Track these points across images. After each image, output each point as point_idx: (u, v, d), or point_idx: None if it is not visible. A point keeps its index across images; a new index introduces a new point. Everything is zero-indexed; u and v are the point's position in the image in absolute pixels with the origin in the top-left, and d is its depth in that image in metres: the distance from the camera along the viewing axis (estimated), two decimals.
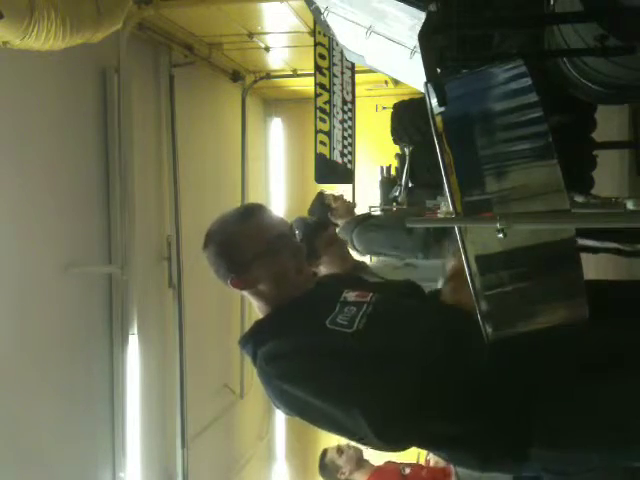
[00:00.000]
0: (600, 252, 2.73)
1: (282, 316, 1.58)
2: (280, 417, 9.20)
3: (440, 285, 1.74)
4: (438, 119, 1.24)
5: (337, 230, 3.71)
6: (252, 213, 1.67)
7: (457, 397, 1.33)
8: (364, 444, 1.39)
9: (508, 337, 1.29)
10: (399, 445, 1.38)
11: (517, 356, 1.32)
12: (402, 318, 1.48)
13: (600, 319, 1.27)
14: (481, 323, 1.26)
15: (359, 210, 3.96)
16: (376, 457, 4.36)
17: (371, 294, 1.54)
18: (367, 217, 3.86)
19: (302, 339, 1.46)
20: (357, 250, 3.62)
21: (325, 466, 4.24)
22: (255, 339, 1.56)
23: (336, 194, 3.84)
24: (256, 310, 1.68)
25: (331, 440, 4.43)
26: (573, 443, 1.31)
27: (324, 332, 1.45)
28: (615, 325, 1.36)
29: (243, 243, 1.61)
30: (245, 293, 1.66)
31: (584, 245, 2.45)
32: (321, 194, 3.77)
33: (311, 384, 1.38)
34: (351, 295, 1.55)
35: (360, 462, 4.20)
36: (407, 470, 4.25)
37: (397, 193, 5.78)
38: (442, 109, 1.24)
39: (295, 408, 1.44)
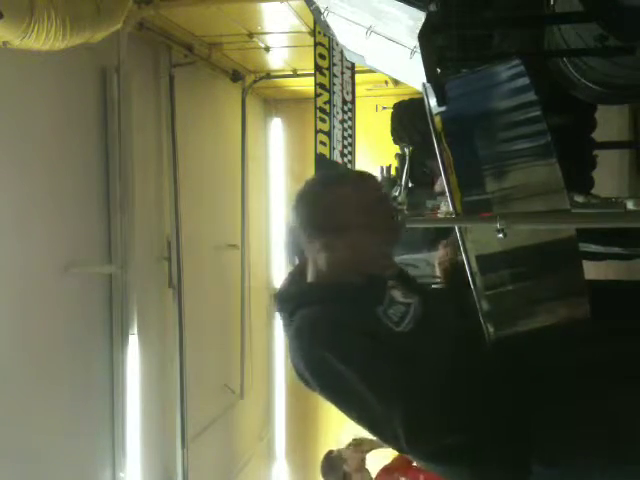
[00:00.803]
0: (604, 259, 2.72)
1: (334, 288, 1.50)
2: (280, 417, 9.20)
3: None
4: (437, 119, 1.24)
5: None
6: (364, 180, 1.58)
7: (464, 406, 1.32)
8: (383, 440, 1.38)
9: (510, 350, 1.28)
10: (419, 453, 1.36)
11: (518, 366, 1.31)
12: (439, 328, 1.44)
13: (601, 327, 1.27)
14: (482, 322, 1.26)
15: None
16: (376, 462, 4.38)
17: (416, 297, 1.49)
18: None
19: (352, 317, 1.41)
20: None
21: (331, 459, 4.25)
22: (301, 297, 1.49)
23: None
24: (310, 272, 1.58)
25: (330, 439, 4.45)
26: (574, 458, 1.29)
27: (374, 319, 1.41)
28: (616, 335, 1.34)
29: (340, 206, 1.52)
30: (320, 256, 1.55)
31: (588, 251, 2.45)
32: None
33: (361, 368, 1.34)
34: (397, 292, 1.49)
35: (362, 464, 4.23)
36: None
37: (397, 193, 5.77)
38: (442, 109, 1.24)
39: (329, 382, 1.39)
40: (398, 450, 1.37)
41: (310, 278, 1.57)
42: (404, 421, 1.27)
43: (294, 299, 1.51)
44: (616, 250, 2.62)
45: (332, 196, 1.54)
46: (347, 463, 4.20)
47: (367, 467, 4.34)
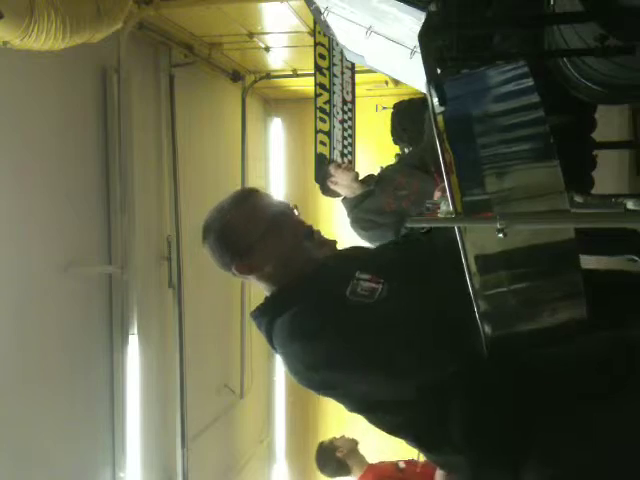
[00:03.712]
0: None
1: (297, 288, 1.55)
2: (280, 417, 9.19)
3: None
4: (440, 119, 1.24)
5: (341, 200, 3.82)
6: (247, 196, 1.67)
7: (457, 396, 1.31)
8: (371, 421, 1.40)
9: (508, 353, 1.27)
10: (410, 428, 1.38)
11: (516, 367, 1.30)
12: (414, 307, 1.46)
13: (601, 328, 1.26)
14: (480, 323, 1.26)
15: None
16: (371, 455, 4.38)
17: (382, 281, 1.51)
18: (365, 196, 3.91)
19: (323, 309, 1.45)
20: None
21: (324, 449, 4.24)
22: (271, 310, 1.54)
23: (339, 163, 3.95)
24: (266, 294, 1.66)
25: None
26: (574, 462, 1.27)
27: (345, 302, 1.43)
28: (616, 339, 1.33)
29: (243, 227, 1.60)
30: (252, 278, 1.64)
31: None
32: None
33: (333, 352, 1.38)
34: (365, 276, 1.52)
35: (355, 449, 4.22)
36: (402, 465, 4.27)
37: None
38: (442, 109, 1.24)
39: (310, 382, 1.44)
40: (392, 432, 1.39)
41: (266, 292, 1.64)
42: (391, 392, 1.33)
43: (267, 312, 1.56)
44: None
45: (228, 225, 1.62)
46: (339, 450, 4.19)
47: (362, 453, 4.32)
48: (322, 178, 4.07)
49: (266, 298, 1.63)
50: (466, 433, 1.30)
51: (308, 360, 1.43)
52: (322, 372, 1.43)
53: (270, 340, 1.53)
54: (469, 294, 1.28)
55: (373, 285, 1.49)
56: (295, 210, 1.68)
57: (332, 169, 3.98)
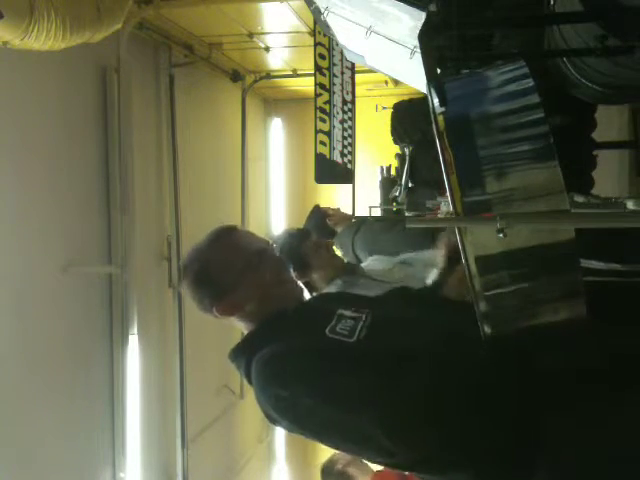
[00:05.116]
0: (606, 276, 2.71)
1: (276, 324, 1.52)
2: None
3: (432, 276, 1.74)
4: (440, 118, 1.24)
5: (336, 236, 3.73)
6: (224, 235, 1.62)
7: (457, 407, 1.30)
8: (372, 458, 1.36)
9: (507, 351, 1.27)
10: (409, 455, 1.31)
11: (516, 369, 1.29)
12: (402, 328, 1.44)
13: (600, 329, 1.26)
14: (480, 323, 1.26)
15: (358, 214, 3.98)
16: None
17: (367, 310, 1.48)
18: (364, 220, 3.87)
19: (302, 343, 1.41)
20: (357, 255, 3.62)
21: (325, 468, 4.25)
22: (250, 348, 1.49)
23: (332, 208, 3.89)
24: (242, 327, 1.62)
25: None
26: (578, 462, 1.26)
27: (324, 339, 1.40)
28: (616, 336, 1.33)
29: (221, 266, 1.55)
30: (234, 320, 1.59)
31: (589, 267, 2.43)
32: (316, 206, 3.83)
33: (316, 389, 1.33)
34: (347, 311, 1.48)
35: (357, 458, 4.21)
36: (407, 472, 4.26)
37: (397, 193, 5.78)
38: (442, 109, 1.24)
39: (295, 418, 1.39)
40: (391, 464, 1.34)
41: (245, 330, 1.59)
42: (383, 425, 1.24)
43: (245, 350, 1.51)
44: (615, 267, 2.60)
45: (206, 266, 1.56)
46: (338, 462, 4.19)
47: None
48: (317, 224, 3.94)
49: (244, 337, 1.58)
50: (466, 442, 1.29)
51: (273, 407, 1.40)
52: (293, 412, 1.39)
53: (249, 381, 1.48)
54: (465, 333, 1.27)
55: (356, 315, 1.45)
56: (274, 246, 1.64)
57: (325, 210, 3.92)
